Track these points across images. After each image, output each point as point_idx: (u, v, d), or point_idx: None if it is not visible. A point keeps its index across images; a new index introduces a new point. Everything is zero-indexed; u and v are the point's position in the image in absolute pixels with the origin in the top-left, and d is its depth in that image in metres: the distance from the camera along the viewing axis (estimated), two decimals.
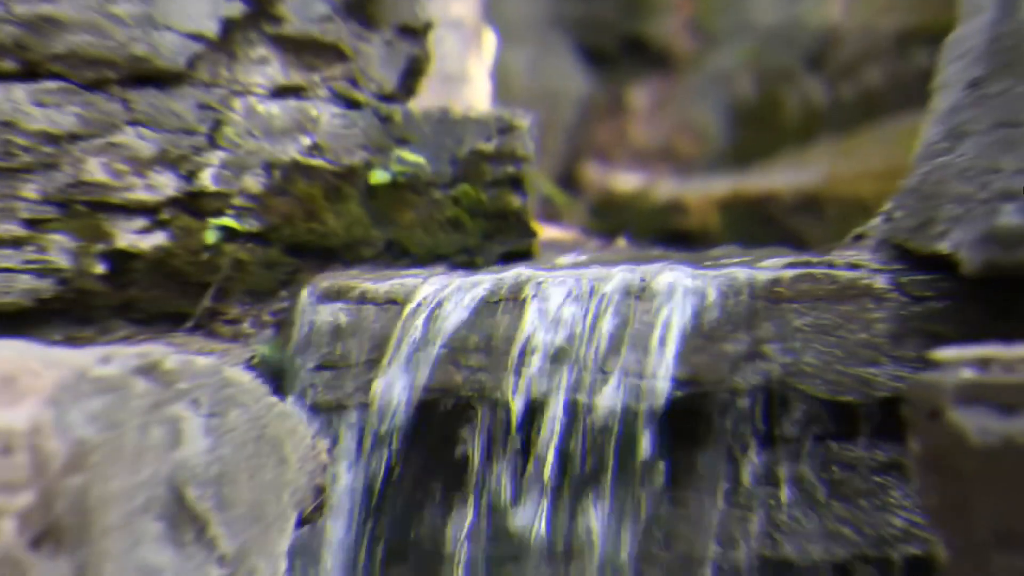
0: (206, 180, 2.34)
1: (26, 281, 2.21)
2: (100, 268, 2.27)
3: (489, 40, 3.50)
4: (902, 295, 2.06)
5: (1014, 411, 1.44)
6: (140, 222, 2.31)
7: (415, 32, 2.55)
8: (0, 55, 2.20)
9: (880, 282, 2.06)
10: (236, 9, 2.34)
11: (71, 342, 2.26)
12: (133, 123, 2.28)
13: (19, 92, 2.20)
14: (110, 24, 2.23)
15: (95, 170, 2.26)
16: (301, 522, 1.87)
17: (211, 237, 2.32)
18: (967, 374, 1.50)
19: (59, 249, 2.23)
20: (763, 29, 5.70)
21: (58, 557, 1.53)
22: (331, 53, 2.45)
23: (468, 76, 3.35)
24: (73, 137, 2.25)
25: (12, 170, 2.21)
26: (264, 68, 2.42)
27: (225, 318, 2.35)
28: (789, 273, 2.06)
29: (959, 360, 1.53)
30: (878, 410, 2.04)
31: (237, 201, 2.36)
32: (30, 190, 2.23)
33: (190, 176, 2.32)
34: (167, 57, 2.28)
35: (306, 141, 2.42)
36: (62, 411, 1.53)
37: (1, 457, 1.47)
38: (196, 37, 2.30)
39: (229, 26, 2.35)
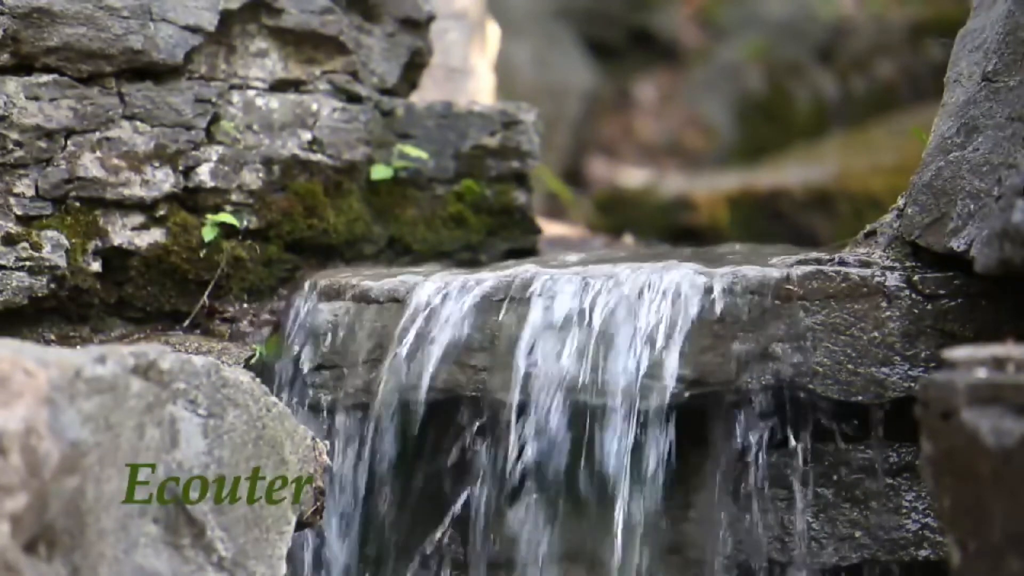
0: (203, 175, 2.32)
1: (19, 279, 2.19)
2: (95, 266, 2.25)
3: (493, 33, 3.49)
4: (914, 294, 2.04)
5: (999, 407, 1.42)
6: (136, 219, 2.29)
7: (417, 25, 2.54)
8: None
9: (892, 280, 2.04)
10: (235, 1, 2.32)
11: (65, 341, 2.25)
12: (129, 118, 2.27)
13: (12, 86, 2.18)
14: (106, 17, 2.21)
15: (90, 166, 2.24)
16: (301, 525, 1.85)
17: (209, 234, 2.30)
18: (981, 374, 1.48)
19: (52, 246, 2.22)
20: (772, 22, 5.68)
21: (53, 560, 1.52)
22: (331, 46, 2.44)
23: (471, 70, 3.33)
24: (68, 132, 2.23)
25: (5, 165, 2.19)
26: (263, 61, 2.40)
27: (223, 316, 2.34)
28: (799, 271, 2.05)
29: (973, 360, 1.51)
30: (891, 411, 2.02)
31: (235, 197, 2.34)
32: (23, 186, 2.22)
33: (187, 172, 2.31)
34: (164, 50, 2.26)
35: (306, 136, 2.40)
36: (56, 412, 1.52)
37: None
38: (194, 30, 2.28)
39: (228, 18, 2.33)
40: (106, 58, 2.23)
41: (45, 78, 2.20)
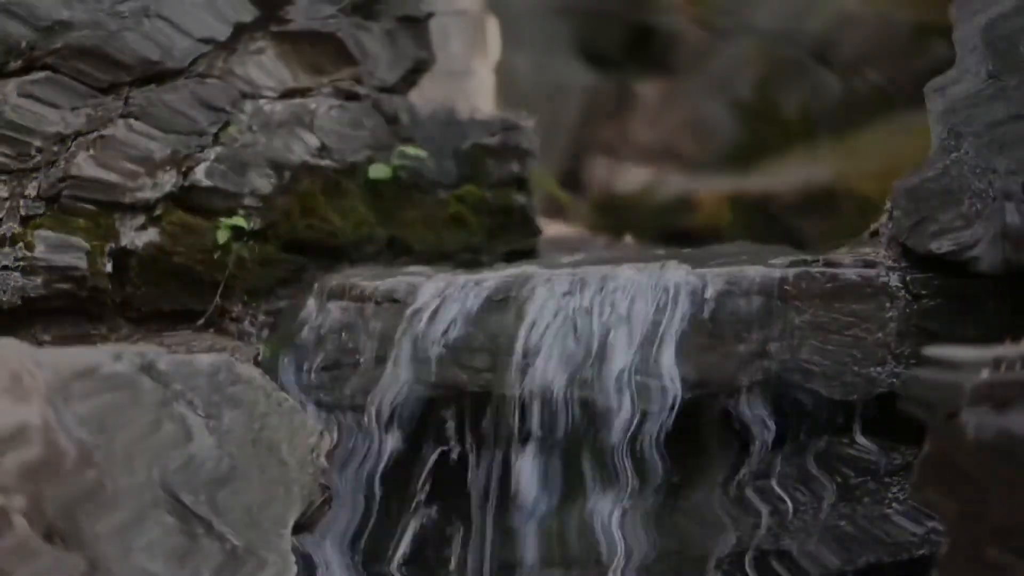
0: (206, 176, 2.34)
1: (16, 279, 2.22)
2: (105, 266, 2.28)
3: (493, 34, 3.51)
4: (906, 293, 2.06)
5: (1006, 407, 1.45)
6: (140, 219, 2.32)
7: (417, 22, 2.57)
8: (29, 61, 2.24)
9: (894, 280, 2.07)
10: (249, 15, 2.37)
11: (69, 340, 2.27)
12: (126, 116, 2.30)
13: (38, 98, 2.23)
14: (138, 38, 2.26)
15: (83, 164, 2.27)
16: (307, 516, 1.88)
17: (222, 236, 2.32)
18: (984, 376, 1.51)
19: (55, 246, 2.24)
20: (772, 20, 5.69)
21: (70, 550, 1.55)
22: (334, 49, 2.47)
23: (472, 71, 3.36)
24: (76, 134, 2.27)
25: (25, 171, 2.22)
26: (268, 65, 2.43)
27: (230, 316, 2.36)
28: (794, 271, 2.07)
29: (979, 362, 1.53)
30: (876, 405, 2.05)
31: (247, 201, 2.37)
32: (32, 188, 2.25)
33: (187, 173, 2.33)
34: (178, 59, 2.30)
35: (310, 139, 2.43)
36: (59, 411, 1.55)
37: (24, 449, 1.49)
38: (207, 41, 2.32)
39: (239, 29, 2.37)
40: (126, 69, 2.27)
41: (78, 87, 2.25)
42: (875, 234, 2.17)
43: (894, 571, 2.02)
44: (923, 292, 2.05)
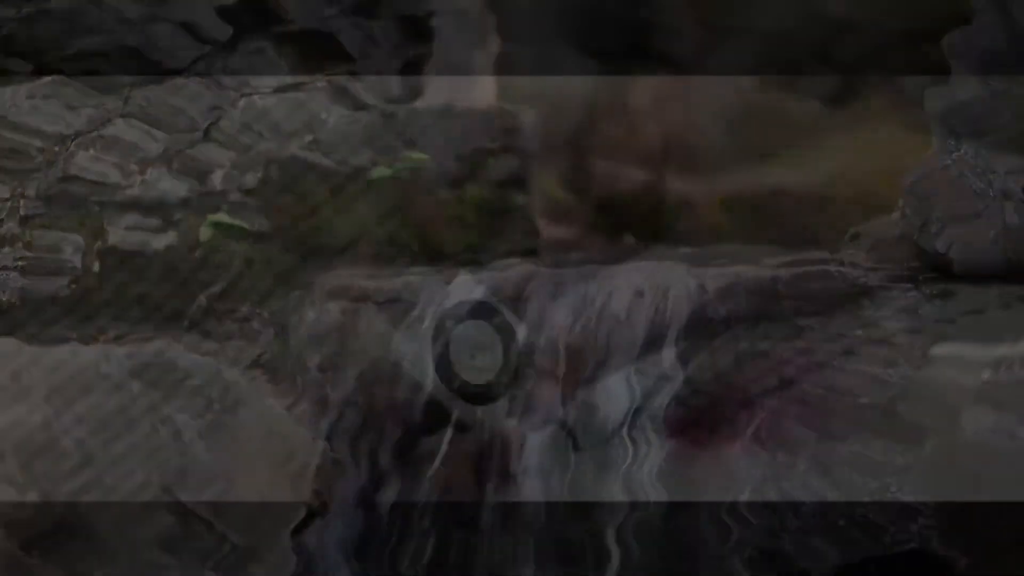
0: (202, 175, 2.35)
1: (16, 279, 2.22)
2: (94, 265, 2.28)
3: (493, 32, 3.51)
4: (912, 293, 2.06)
5: (1002, 408, 1.46)
6: (130, 217, 2.32)
7: (417, 23, 2.57)
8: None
9: (875, 280, 2.07)
10: (249, 15, 2.37)
11: (66, 341, 2.27)
12: (126, 116, 2.31)
13: (41, 98, 2.24)
14: (139, 38, 2.27)
15: (86, 165, 2.28)
16: (304, 521, 1.88)
17: (206, 234, 2.32)
18: (985, 376, 1.51)
19: (55, 246, 2.25)
20: (767, 28, 5.68)
21: (88, 542, 1.56)
22: (334, 48, 2.47)
23: (472, 68, 3.36)
24: (76, 134, 2.27)
25: (26, 171, 2.23)
26: (267, 64, 2.43)
27: (217, 317, 2.36)
28: (794, 271, 2.07)
29: (979, 362, 1.53)
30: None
31: (235, 197, 2.37)
32: (32, 188, 2.26)
33: (184, 171, 2.34)
34: (178, 59, 2.31)
35: (304, 135, 2.43)
36: (59, 412, 1.55)
37: (27, 448, 1.50)
38: (208, 42, 2.33)
39: (239, 29, 2.37)
40: (128, 70, 2.28)
41: (71, 90, 2.25)
42: (856, 236, 2.17)
43: (889, 566, 2.03)
44: (933, 292, 2.05)
